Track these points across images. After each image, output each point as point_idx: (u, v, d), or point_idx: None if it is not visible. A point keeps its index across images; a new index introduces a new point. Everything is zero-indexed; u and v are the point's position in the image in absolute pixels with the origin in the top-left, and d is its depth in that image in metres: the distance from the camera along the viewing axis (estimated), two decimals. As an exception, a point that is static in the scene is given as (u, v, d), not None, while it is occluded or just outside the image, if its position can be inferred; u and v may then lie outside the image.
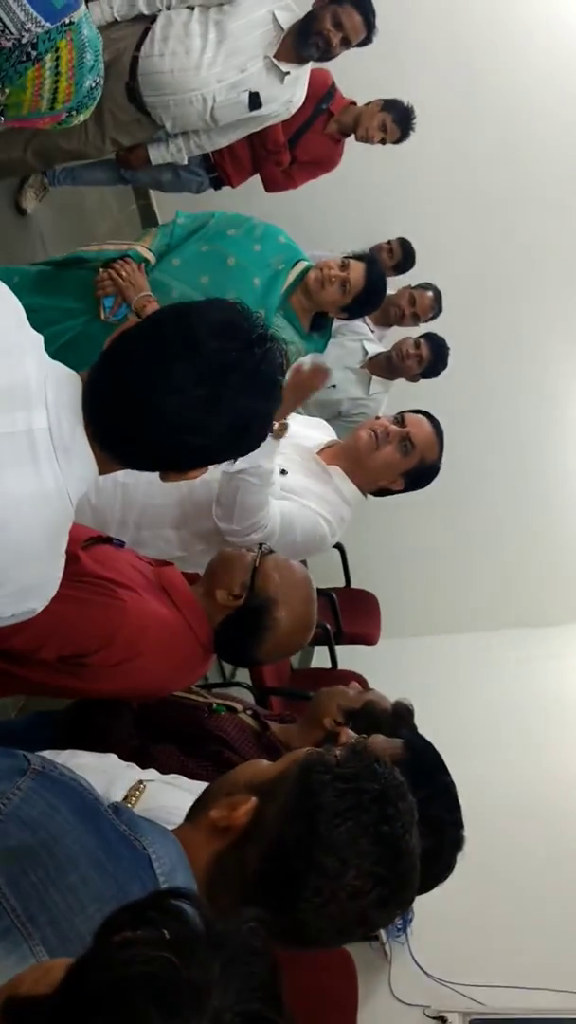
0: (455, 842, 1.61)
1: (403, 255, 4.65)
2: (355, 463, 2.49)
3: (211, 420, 1.30)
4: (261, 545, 2.01)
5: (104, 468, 1.36)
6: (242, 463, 2.01)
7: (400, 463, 2.47)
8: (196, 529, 2.31)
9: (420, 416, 2.52)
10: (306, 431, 2.61)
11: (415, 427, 2.47)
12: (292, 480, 2.41)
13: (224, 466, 2.01)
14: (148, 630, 1.76)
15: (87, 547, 1.76)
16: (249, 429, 1.37)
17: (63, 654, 1.68)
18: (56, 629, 1.58)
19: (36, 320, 2.68)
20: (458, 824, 1.62)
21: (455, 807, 1.64)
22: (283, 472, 2.39)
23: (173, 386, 1.28)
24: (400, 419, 2.50)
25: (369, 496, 2.59)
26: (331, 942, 1.14)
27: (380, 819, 1.09)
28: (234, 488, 2.14)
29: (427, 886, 1.47)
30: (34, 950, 0.96)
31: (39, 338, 1.39)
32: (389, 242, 4.66)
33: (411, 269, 4.65)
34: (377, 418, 2.56)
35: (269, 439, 1.90)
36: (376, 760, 1.15)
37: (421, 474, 2.52)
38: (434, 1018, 3.30)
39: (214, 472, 2.01)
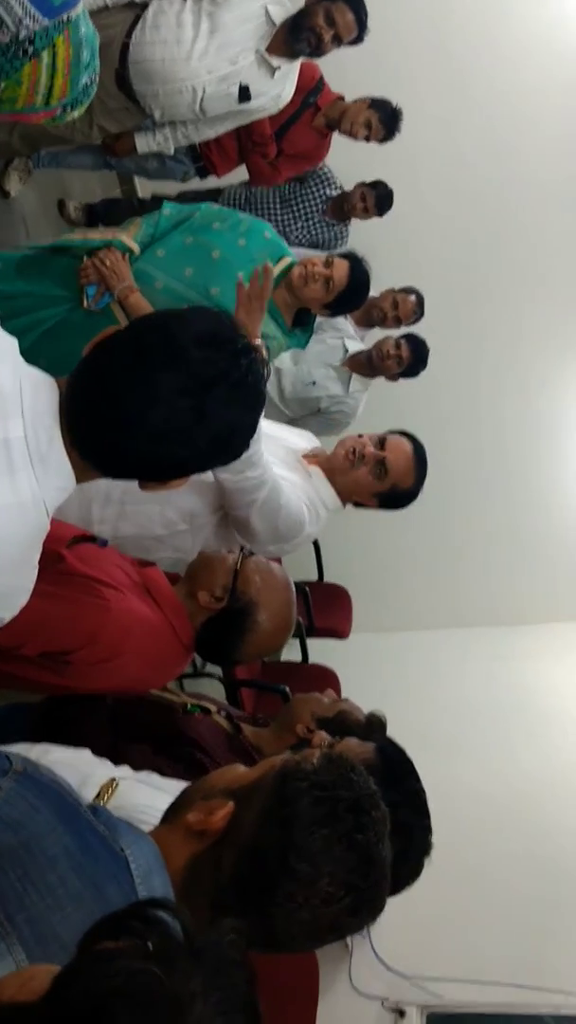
0: (423, 847, 1.63)
1: (376, 202, 4.17)
2: (331, 476, 2.49)
3: (196, 432, 1.26)
4: (242, 548, 2.01)
5: (83, 476, 1.32)
6: None
7: (371, 486, 2.47)
8: (179, 506, 2.28)
9: (403, 441, 2.51)
10: (291, 436, 2.61)
11: (393, 452, 2.46)
12: (276, 472, 2.41)
13: None
14: (131, 629, 1.76)
15: (71, 546, 1.75)
16: (233, 440, 1.33)
17: (46, 651, 1.67)
18: (40, 626, 1.57)
19: (18, 306, 2.64)
20: (427, 829, 1.65)
21: (424, 812, 1.67)
22: None
23: (158, 397, 1.24)
24: (382, 441, 2.48)
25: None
26: (302, 947, 1.16)
27: (354, 827, 1.11)
28: None
29: (395, 889, 1.49)
30: (11, 948, 0.97)
31: (14, 342, 1.34)
32: (363, 194, 4.19)
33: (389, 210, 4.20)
34: (360, 436, 2.53)
35: None
36: (352, 769, 1.16)
37: (394, 497, 2.51)
38: (392, 1010, 3.33)
39: None
